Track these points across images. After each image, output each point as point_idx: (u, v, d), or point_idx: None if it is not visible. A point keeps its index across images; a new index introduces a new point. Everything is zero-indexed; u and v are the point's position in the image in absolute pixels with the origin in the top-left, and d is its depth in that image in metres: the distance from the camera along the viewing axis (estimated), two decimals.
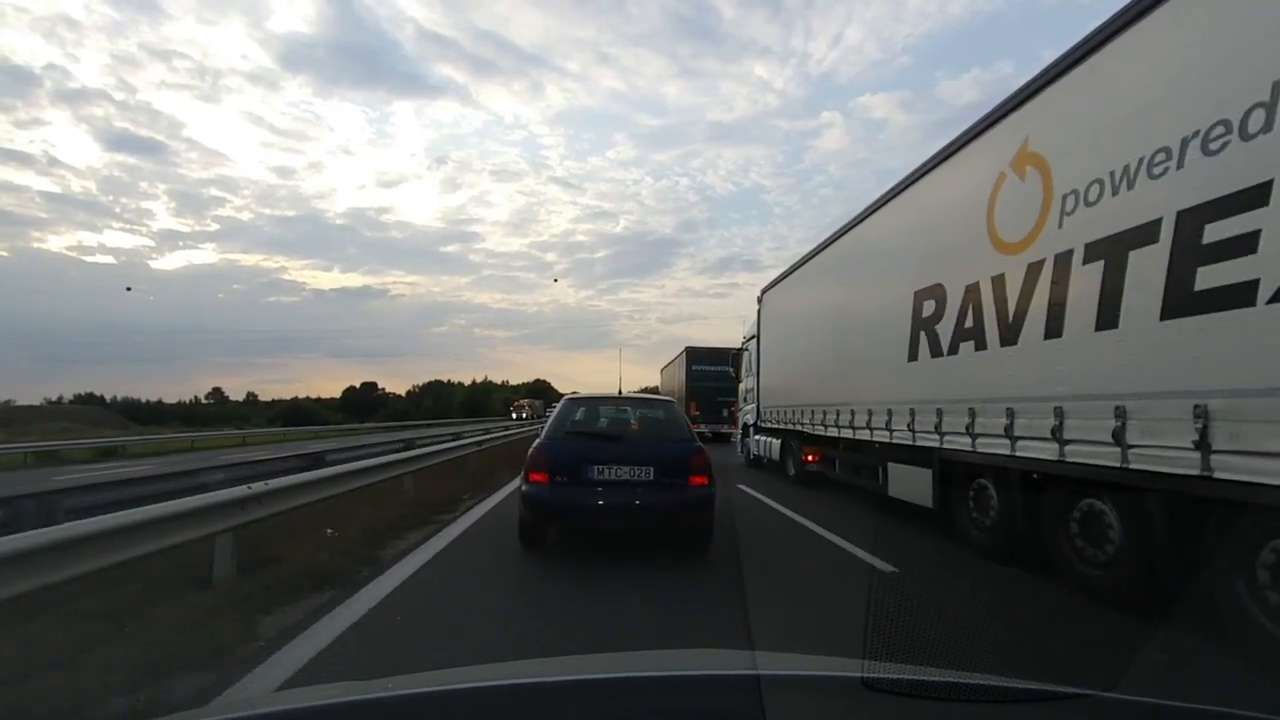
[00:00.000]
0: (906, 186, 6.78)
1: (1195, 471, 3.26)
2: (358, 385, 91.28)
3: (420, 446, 10.75)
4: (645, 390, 37.29)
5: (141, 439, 25.35)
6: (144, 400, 69.59)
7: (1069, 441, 4.21)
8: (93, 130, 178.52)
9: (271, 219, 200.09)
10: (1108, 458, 3.84)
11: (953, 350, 5.68)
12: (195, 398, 79.58)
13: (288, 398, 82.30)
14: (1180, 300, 3.42)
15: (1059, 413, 4.28)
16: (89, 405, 59.16)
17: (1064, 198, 4.34)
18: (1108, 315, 3.92)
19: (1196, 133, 3.34)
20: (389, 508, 6.82)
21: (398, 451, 9.64)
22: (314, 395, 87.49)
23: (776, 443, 11.70)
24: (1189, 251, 3.38)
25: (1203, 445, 3.23)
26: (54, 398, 63.50)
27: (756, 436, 13.27)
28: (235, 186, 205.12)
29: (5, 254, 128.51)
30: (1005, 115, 5.07)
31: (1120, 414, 3.76)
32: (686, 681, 1.12)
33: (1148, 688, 1.17)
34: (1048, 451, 4.39)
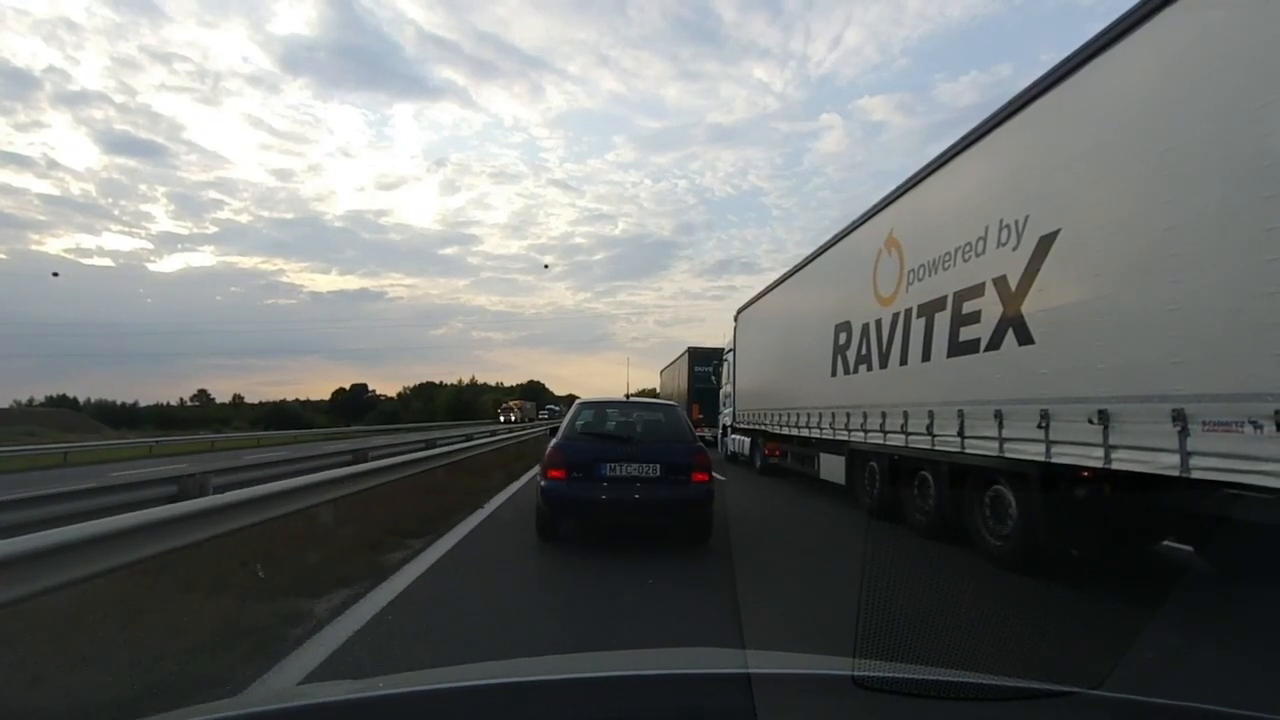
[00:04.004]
0: (832, 245, 9.43)
1: (958, 449, 5.89)
2: (347, 387, 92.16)
3: None
4: (643, 393, 38.57)
5: (101, 444, 24.42)
6: (119, 403, 70.76)
7: (911, 434, 6.82)
8: (92, 133, 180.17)
9: (270, 221, 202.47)
10: (926, 443, 6.46)
11: (855, 370, 8.31)
12: (182, 399, 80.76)
13: (277, 399, 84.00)
14: (954, 346, 6.05)
15: (905, 415, 6.90)
16: (60, 408, 60.72)
17: (909, 272, 6.97)
18: (926, 352, 6.55)
19: (958, 247, 5.98)
20: None
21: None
22: (308, 398, 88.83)
23: (747, 440, 14.39)
24: (957, 318, 6.01)
25: (962, 433, 5.86)
26: (40, 400, 64.94)
27: (733, 435, 15.98)
28: (234, 189, 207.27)
29: (2, 256, 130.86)
30: (884, 208, 7.70)
31: (930, 416, 6.38)
32: (679, 680, 1.19)
33: (1135, 685, 1.22)
34: (900, 441, 7.01)
